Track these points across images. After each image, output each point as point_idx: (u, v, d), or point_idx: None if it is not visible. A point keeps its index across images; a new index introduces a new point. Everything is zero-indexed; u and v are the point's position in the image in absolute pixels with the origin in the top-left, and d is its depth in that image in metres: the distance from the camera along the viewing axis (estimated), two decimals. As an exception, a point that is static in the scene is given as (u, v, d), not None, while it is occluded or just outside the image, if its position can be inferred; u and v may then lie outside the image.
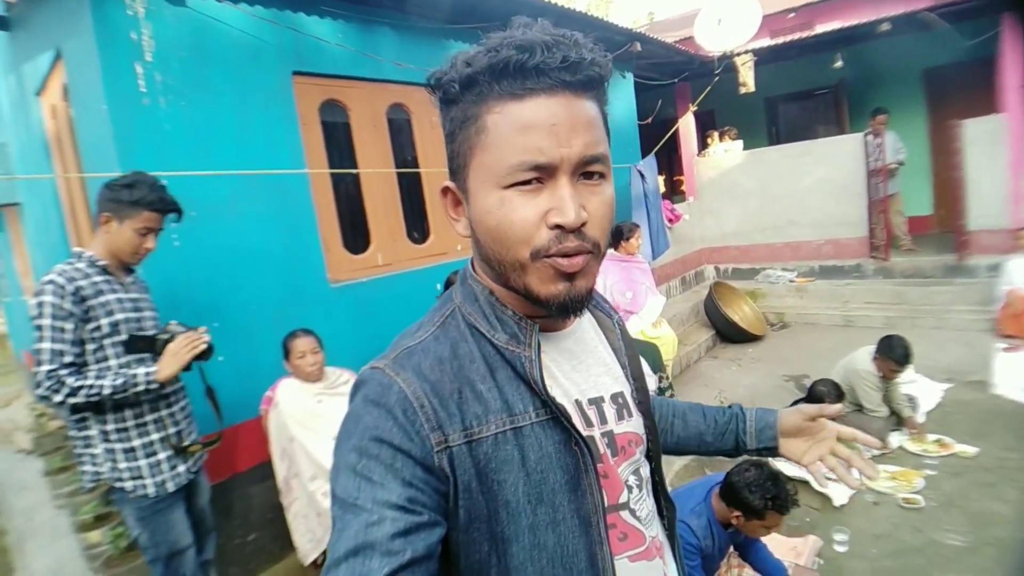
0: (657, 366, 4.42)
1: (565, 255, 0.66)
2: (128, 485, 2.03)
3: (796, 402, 3.75)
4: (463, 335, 0.75)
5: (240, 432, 3.03)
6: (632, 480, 0.83)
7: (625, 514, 0.80)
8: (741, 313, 6.72)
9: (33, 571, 3.51)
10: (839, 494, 3.26)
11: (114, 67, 2.64)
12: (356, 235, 3.86)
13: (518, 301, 0.75)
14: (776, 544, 2.77)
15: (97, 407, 1.99)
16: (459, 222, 0.76)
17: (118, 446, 2.01)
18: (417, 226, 4.29)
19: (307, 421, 2.68)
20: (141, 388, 1.98)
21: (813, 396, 3.70)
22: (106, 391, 1.91)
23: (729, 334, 6.48)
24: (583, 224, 0.66)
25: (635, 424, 0.85)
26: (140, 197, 2.02)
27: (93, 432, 2.02)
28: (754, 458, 1.72)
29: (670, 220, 7.02)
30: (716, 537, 2.32)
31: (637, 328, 4.68)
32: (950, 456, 3.56)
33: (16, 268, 6.90)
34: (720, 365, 5.92)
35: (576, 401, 0.78)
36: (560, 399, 0.73)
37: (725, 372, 5.68)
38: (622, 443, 0.82)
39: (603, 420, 0.81)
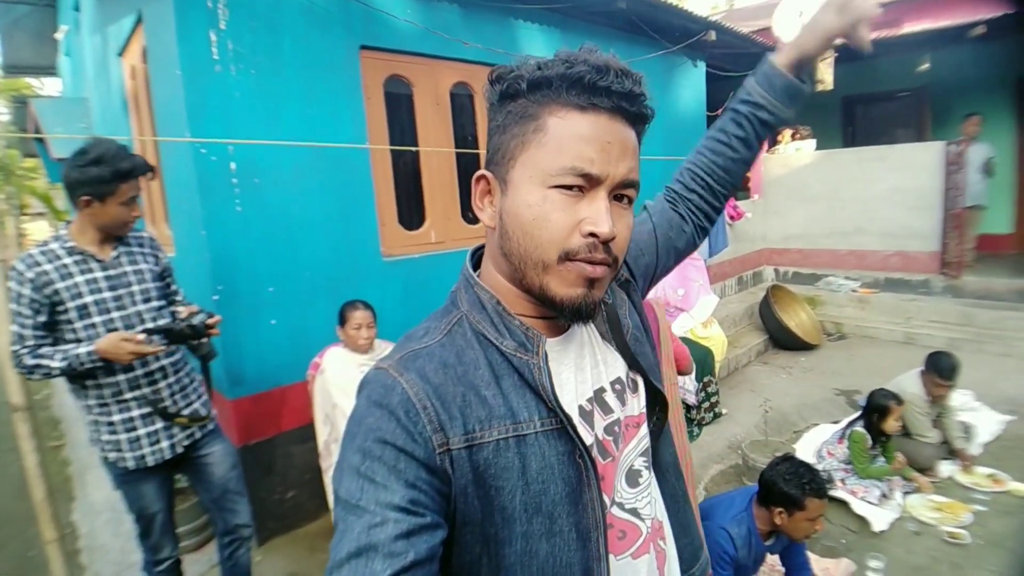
0: (707, 370, 4.33)
1: (592, 262, 0.70)
2: (111, 456, 2.07)
3: (852, 422, 3.62)
4: (469, 342, 0.77)
5: (287, 394, 3.15)
6: (639, 463, 0.84)
7: (615, 509, 0.81)
8: (797, 319, 6.51)
9: (92, 501, 3.77)
10: (879, 519, 3.15)
11: (189, 33, 2.73)
12: (411, 211, 3.91)
13: (526, 306, 0.77)
14: (807, 563, 2.70)
15: (78, 384, 2.02)
16: (484, 211, 0.78)
17: (101, 419, 2.05)
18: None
19: (350, 389, 2.74)
20: (88, 365, 1.92)
21: (873, 406, 3.45)
22: (55, 373, 1.92)
23: (782, 340, 6.29)
24: (611, 239, 0.69)
25: (637, 404, 0.87)
26: (114, 171, 1.93)
27: (81, 404, 2.08)
28: (782, 452, 1.71)
29: (732, 217, 6.81)
30: (754, 548, 2.29)
31: (687, 327, 4.59)
32: (1003, 493, 3.38)
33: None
34: (769, 372, 5.76)
35: (579, 407, 0.79)
36: (567, 407, 0.74)
37: (774, 379, 5.53)
38: (628, 424, 0.84)
39: (606, 411, 0.82)
